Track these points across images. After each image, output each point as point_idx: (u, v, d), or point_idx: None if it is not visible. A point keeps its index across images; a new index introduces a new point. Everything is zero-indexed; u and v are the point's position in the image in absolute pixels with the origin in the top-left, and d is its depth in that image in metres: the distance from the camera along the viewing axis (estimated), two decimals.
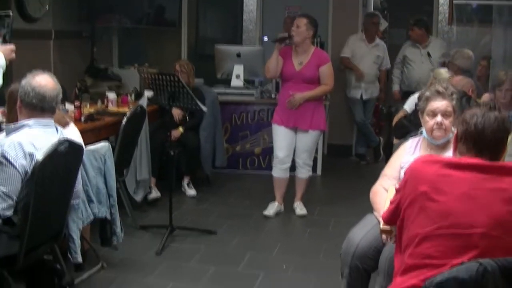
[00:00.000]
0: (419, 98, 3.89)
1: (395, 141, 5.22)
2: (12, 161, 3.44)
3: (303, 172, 6.49)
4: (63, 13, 7.70)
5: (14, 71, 3.89)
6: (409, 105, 5.83)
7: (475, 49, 7.35)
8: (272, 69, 6.34)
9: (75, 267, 4.33)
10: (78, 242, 4.18)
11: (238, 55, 8.06)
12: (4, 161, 3.44)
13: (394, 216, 2.86)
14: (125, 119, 5.52)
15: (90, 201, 4.41)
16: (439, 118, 3.67)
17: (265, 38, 9.65)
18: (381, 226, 3.30)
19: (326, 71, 6.27)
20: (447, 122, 3.68)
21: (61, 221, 3.97)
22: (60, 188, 3.80)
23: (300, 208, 6.54)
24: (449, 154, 3.48)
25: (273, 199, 6.55)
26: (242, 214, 6.52)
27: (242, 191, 7.50)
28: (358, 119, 9.01)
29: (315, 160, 7.20)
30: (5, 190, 3.44)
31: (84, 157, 4.10)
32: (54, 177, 3.64)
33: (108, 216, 4.63)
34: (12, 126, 3.69)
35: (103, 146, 4.60)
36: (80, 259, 4.20)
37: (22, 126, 3.63)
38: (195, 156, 7.19)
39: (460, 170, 2.65)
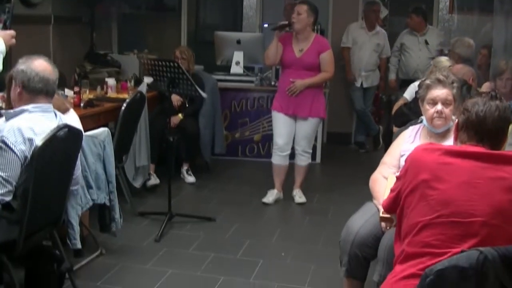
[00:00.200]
0: (420, 86, 3.88)
1: (394, 129, 5.21)
2: (12, 146, 3.43)
3: (303, 160, 6.48)
4: None
5: (13, 56, 3.87)
6: (409, 93, 5.83)
7: (476, 37, 7.33)
8: (271, 56, 6.33)
9: (74, 253, 4.33)
10: (77, 228, 4.18)
11: (238, 42, 8.04)
12: (3, 146, 3.43)
13: (395, 204, 2.86)
14: (124, 105, 5.50)
15: (89, 187, 4.41)
16: (439, 106, 3.66)
17: (265, 25, 9.62)
18: (381, 214, 3.30)
19: (327, 58, 6.26)
20: (447, 110, 3.67)
21: (60, 207, 3.97)
22: (59, 173, 3.80)
23: (299, 196, 6.54)
24: (449, 142, 3.47)
25: (272, 186, 6.55)
26: (241, 201, 6.53)
27: (241, 178, 7.50)
28: (358, 107, 9.01)
29: (314, 148, 7.20)
30: (4, 176, 3.43)
31: (84, 143, 4.10)
32: (53, 163, 3.63)
33: (107, 203, 4.63)
34: (11, 111, 3.67)
35: (102, 132, 4.60)
36: (79, 245, 4.20)
37: (22, 111, 3.62)
38: (195, 143, 7.18)
39: (461, 158, 2.64)
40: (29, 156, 3.47)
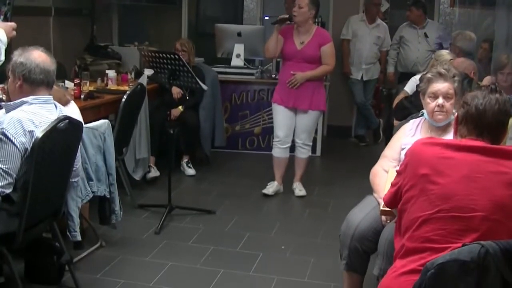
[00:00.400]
0: (421, 80, 3.87)
1: (395, 122, 5.20)
2: (12, 138, 3.42)
3: (303, 152, 6.48)
4: None
5: (14, 48, 3.86)
6: (409, 86, 5.83)
7: (477, 31, 7.31)
8: (271, 48, 6.32)
9: (74, 245, 4.33)
10: (77, 220, 4.18)
11: (239, 34, 8.03)
12: (3, 138, 3.42)
13: (395, 199, 2.85)
14: (125, 97, 5.49)
15: (89, 179, 4.41)
16: (440, 100, 3.65)
17: (266, 17, 9.61)
18: (381, 207, 3.29)
19: (328, 50, 6.25)
20: (448, 104, 3.65)
21: (60, 199, 3.97)
22: (60, 165, 3.80)
23: (299, 189, 6.54)
24: (450, 136, 3.47)
25: (272, 179, 6.55)
26: (241, 194, 6.53)
27: (242, 171, 7.50)
28: (358, 100, 9.00)
29: (314, 141, 7.20)
30: (4, 168, 3.43)
31: (84, 134, 4.09)
32: (54, 155, 3.63)
33: (107, 195, 4.63)
34: (11, 103, 3.66)
35: (102, 124, 4.59)
36: (79, 237, 4.21)
37: (22, 103, 3.61)
38: (195, 135, 7.18)
39: (461, 152, 2.63)
40: (29, 148, 3.46)
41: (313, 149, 7.39)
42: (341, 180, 7.14)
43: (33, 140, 3.45)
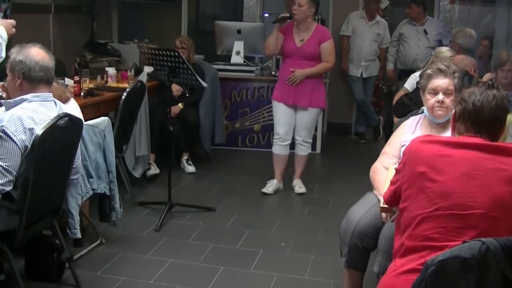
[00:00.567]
0: (421, 76, 3.87)
1: (395, 119, 5.21)
2: (12, 136, 3.42)
3: (303, 150, 6.48)
4: None
5: (13, 45, 3.86)
6: (409, 83, 5.83)
7: (477, 28, 7.31)
8: (271, 46, 6.33)
9: (74, 243, 4.35)
10: (77, 217, 4.18)
11: (239, 32, 8.02)
12: (3, 136, 3.42)
13: (395, 197, 2.85)
14: (124, 95, 5.48)
15: (89, 176, 4.41)
16: (440, 96, 3.64)
17: (266, 15, 9.61)
18: (381, 204, 3.29)
19: (328, 48, 6.25)
20: (448, 100, 3.65)
21: (60, 196, 3.97)
22: (60, 163, 3.80)
23: (299, 186, 6.54)
24: (449, 133, 3.45)
25: (272, 176, 6.55)
26: (241, 191, 6.53)
27: (241, 168, 7.50)
28: (357, 97, 9.01)
29: (314, 138, 7.19)
30: (4, 165, 3.43)
31: (84, 132, 4.09)
32: (54, 152, 3.63)
33: (107, 192, 4.63)
34: (11, 101, 3.66)
35: (102, 121, 4.59)
36: (79, 235, 4.21)
37: (22, 101, 3.61)
38: (195, 133, 7.18)
39: (460, 149, 2.62)
40: (29, 146, 3.46)
41: (313, 146, 7.39)
42: (341, 177, 7.15)
43: (33, 137, 3.45)
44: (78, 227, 4.20)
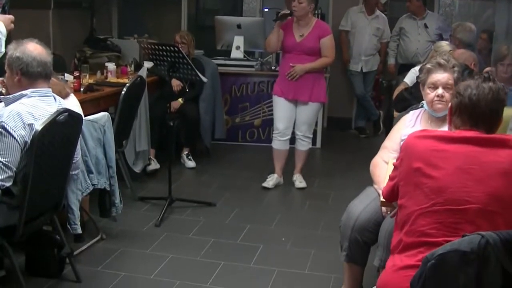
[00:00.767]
0: (420, 70, 3.87)
1: (395, 114, 5.20)
2: (12, 131, 3.42)
3: (303, 145, 6.48)
4: None
5: (12, 41, 3.86)
6: (409, 78, 5.83)
7: (477, 22, 7.31)
8: (273, 44, 6.34)
9: (74, 238, 4.33)
10: (77, 213, 4.18)
11: (239, 26, 8.00)
12: (3, 131, 3.41)
13: (393, 192, 2.85)
14: (124, 90, 5.48)
15: (89, 172, 4.41)
16: (440, 90, 3.64)
17: (266, 9, 9.59)
18: (381, 198, 3.29)
19: (327, 43, 6.24)
20: (448, 94, 3.64)
21: (60, 191, 3.97)
22: (59, 158, 3.80)
23: (299, 181, 6.54)
24: None
25: (272, 171, 6.55)
26: (241, 186, 6.53)
27: (242, 163, 7.50)
28: (357, 92, 9.01)
29: (314, 133, 7.18)
30: (4, 161, 3.42)
31: (84, 127, 4.09)
32: (53, 147, 3.63)
33: (107, 187, 4.63)
34: (10, 96, 3.66)
35: (102, 116, 4.59)
36: (79, 230, 4.20)
37: (21, 96, 3.61)
38: (195, 128, 7.18)
39: (455, 144, 2.62)
40: (29, 141, 3.46)
41: (314, 141, 7.39)
42: (342, 172, 7.15)
43: (33, 133, 3.45)
44: (78, 222, 4.19)
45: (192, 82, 6.78)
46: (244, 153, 7.94)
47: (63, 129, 3.67)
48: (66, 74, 5.96)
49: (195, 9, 10.24)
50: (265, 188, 6.42)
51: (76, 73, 6.02)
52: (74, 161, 3.96)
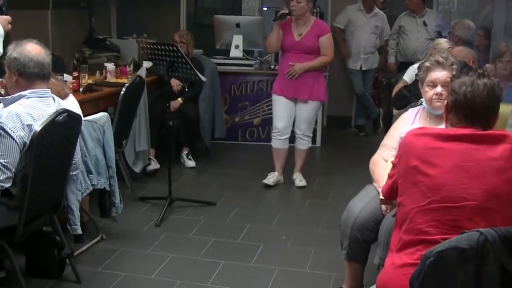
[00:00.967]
0: (419, 68, 3.86)
1: (394, 111, 5.20)
2: (10, 132, 3.42)
3: (303, 143, 6.48)
4: None
5: (11, 42, 3.85)
6: (408, 75, 5.82)
7: (476, 20, 7.30)
8: (273, 43, 6.35)
9: (74, 239, 4.33)
10: (77, 213, 4.18)
11: (238, 26, 8.00)
12: (2, 132, 3.42)
13: (392, 191, 2.85)
14: (123, 90, 5.48)
15: (89, 172, 4.41)
16: (439, 88, 3.63)
17: (265, 8, 9.59)
18: (381, 196, 3.29)
19: (326, 41, 6.25)
20: (446, 92, 3.64)
21: (60, 192, 3.97)
22: (59, 159, 3.80)
23: (299, 179, 6.54)
24: None
25: (272, 170, 6.56)
26: (241, 185, 6.53)
27: (242, 162, 7.50)
28: (357, 90, 9.01)
29: (314, 131, 7.19)
30: (3, 162, 3.43)
31: (83, 127, 4.09)
32: (52, 148, 3.63)
33: (107, 188, 4.62)
34: (9, 97, 3.66)
35: (101, 116, 4.58)
36: (79, 231, 4.20)
37: (19, 97, 3.61)
38: (194, 127, 7.18)
39: (451, 141, 2.62)
40: (28, 142, 3.46)
41: (313, 140, 7.38)
42: (341, 170, 7.15)
43: (32, 133, 3.45)
44: (78, 223, 4.19)
45: (191, 81, 6.78)
46: (244, 152, 7.94)
47: (62, 129, 3.67)
48: (65, 75, 5.96)
49: (194, 8, 10.24)
50: (265, 186, 6.42)
51: (75, 74, 6.01)
52: (73, 161, 3.96)
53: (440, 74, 3.64)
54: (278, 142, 6.46)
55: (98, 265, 4.46)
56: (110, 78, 6.69)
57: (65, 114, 3.65)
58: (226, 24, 8.11)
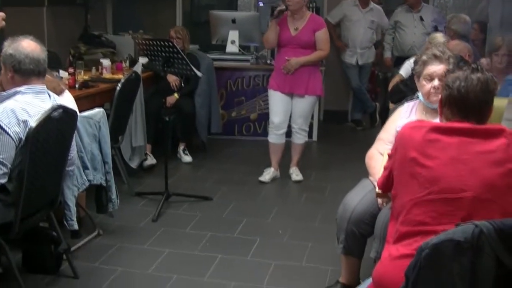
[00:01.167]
0: (416, 62, 3.86)
1: (391, 106, 5.21)
2: (6, 128, 3.42)
3: (299, 138, 6.49)
4: None
5: (6, 38, 3.85)
6: (404, 69, 5.82)
7: (472, 14, 7.31)
8: (272, 40, 6.35)
9: (71, 234, 4.34)
10: (73, 209, 4.18)
11: (233, 21, 8.00)
12: None
13: (388, 182, 2.86)
14: (119, 86, 5.48)
15: (85, 168, 4.41)
16: (436, 82, 3.63)
17: (261, 4, 9.59)
18: (377, 190, 3.30)
19: (322, 36, 6.24)
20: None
21: (56, 188, 3.97)
22: (55, 154, 3.80)
23: (296, 174, 6.55)
24: None
25: (269, 165, 6.56)
26: (238, 180, 6.53)
27: (238, 157, 7.50)
28: (353, 84, 9.01)
29: (311, 126, 7.20)
30: None
31: (79, 123, 4.09)
32: (48, 144, 3.63)
33: (104, 183, 4.62)
34: (4, 93, 3.66)
35: (97, 112, 4.58)
36: (76, 226, 4.21)
37: (15, 93, 3.61)
38: (191, 123, 7.18)
39: (448, 134, 2.63)
40: (23, 138, 3.46)
41: (310, 134, 7.37)
42: (338, 165, 7.15)
43: (27, 129, 3.45)
44: (75, 218, 4.20)
45: (187, 77, 6.78)
46: (240, 147, 7.94)
47: (58, 125, 3.67)
48: (61, 71, 5.96)
49: (190, 4, 10.23)
50: (261, 182, 6.42)
51: (71, 70, 6.01)
52: (69, 157, 3.96)
53: (437, 68, 3.64)
54: (275, 137, 6.46)
55: (95, 261, 4.46)
56: (106, 74, 6.69)
57: (61, 110, 3.65)
58: (222, 20, 8.11)
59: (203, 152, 7.52)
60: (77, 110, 4.08)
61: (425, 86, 3.68)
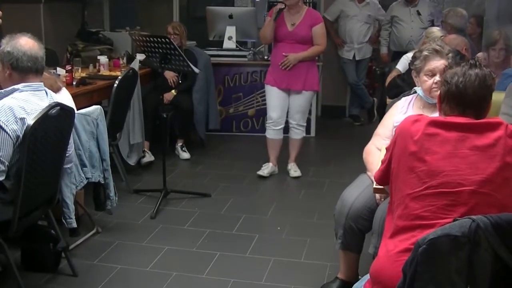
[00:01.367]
0: (415, 57, 3.84)
1: (388, 101, 5.21)
2: (4, 126, 3.41)
3: (297, 133, 6.49)
4: None
5: (4, 36, 3.84)
6: (401, 64, 5.82)
7: (469, 8, 7.30)
8: (269, 36, 6.35)
9: (70, 232, 4.33)
10: (72, 207, 4.18)
11: (230, 17, 8.00)
12: None
13: (385, 176, 2.86)
14: (116, 83, 5.48)
15: (83, 165, 4.40)
16: (437, 77, 3.62)
17: None
18: (375, 185, 3.29)
19: (319, 31, 6.24)
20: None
21: (54, 186, 3.97)
22: (52, 152, 3.79)
23: (294, 170, 6.55)
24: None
25: (267, 160, 6.57)
26: (236, 176, 6.53)
27: (236, 153, 7.50)
28: (350, 80, 9.00)
29: (308, 121, 7.20)
30: None
31: (76, 121, 4.08)
32: (46, 141, 3.63)
33: (102, 181, 4.62)
34: (2, 91, 3.65)
35: (95, 109, 4.57)
36: (74, 224, 4.20)
37: (13, 91, 3.60)
38: (189, 119, 7.18)
39: (447, 129, 2.63)
40: (21, 136, 3.46)
41: (308, 130, 7.40)
42: (336, 160, 7.16)
43: (25, 127, 3.45)
44: (73, 216, 4.19)
45: (184, 73, 6.78)
46: (238, 143, 7.95)
47: (55, 123, 3.66)
48: (58, 68, 5.95)
49: (187, 0, 10.21)
50: (260, 176, 6.43)
51: (68, 67, 6.00)
52: (67, 155, 3.96)
53: (439, 63, 3.62)
54: (273, 132, 6.46)
55: (94, 258, 4.47)
56: (104, 71, 6.68)
57: (58, 107, 3.64)
58: (219, 16, 8.11)
59: (201, 148, 7.52)
60: (74, 107, 4.08)
61: (427, 82, 3.67)
